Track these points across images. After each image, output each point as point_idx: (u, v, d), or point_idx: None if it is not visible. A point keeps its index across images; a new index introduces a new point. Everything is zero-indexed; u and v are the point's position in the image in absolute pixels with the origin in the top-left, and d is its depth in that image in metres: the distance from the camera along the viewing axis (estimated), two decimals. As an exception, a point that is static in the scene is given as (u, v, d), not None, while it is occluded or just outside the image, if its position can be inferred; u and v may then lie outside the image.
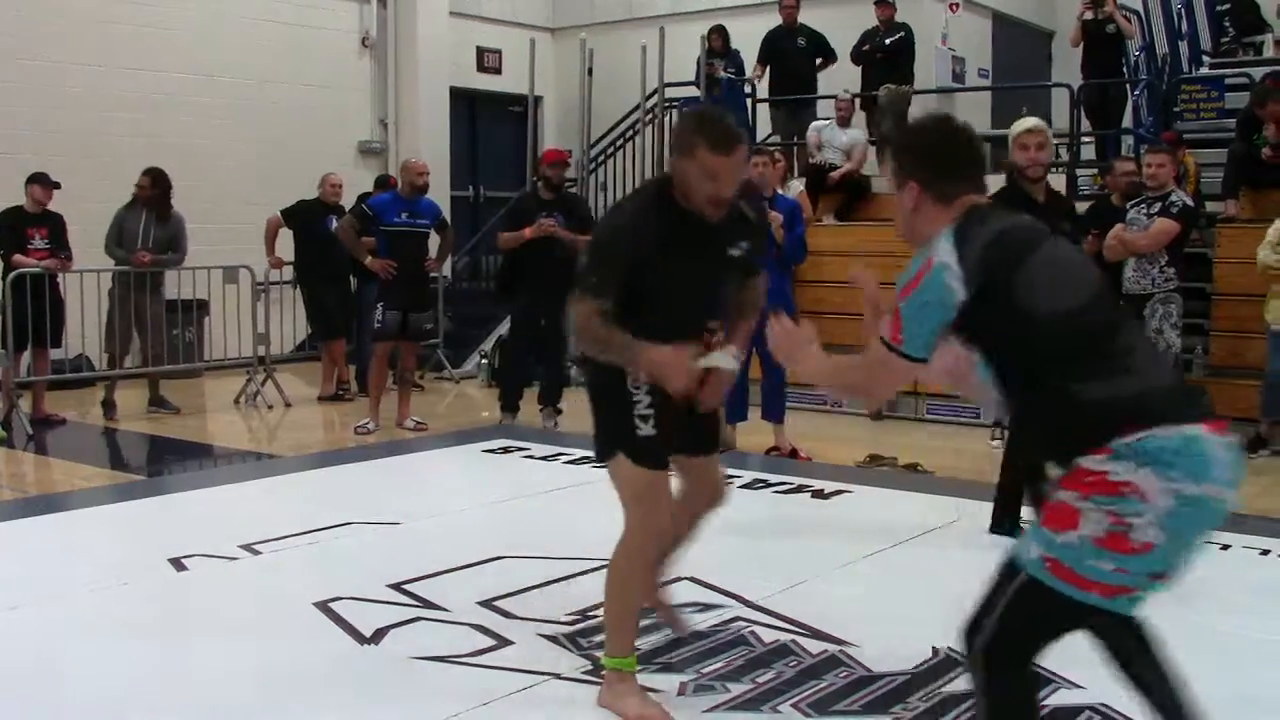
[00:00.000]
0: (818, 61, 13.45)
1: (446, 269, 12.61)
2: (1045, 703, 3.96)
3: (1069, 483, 2.69)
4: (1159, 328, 8.36)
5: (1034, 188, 5.98)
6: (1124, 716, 3.83)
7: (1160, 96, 12.24)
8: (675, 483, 4.01)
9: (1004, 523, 5.99)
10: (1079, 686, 4.06)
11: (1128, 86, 12.77)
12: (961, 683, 4.05)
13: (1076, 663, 4.22)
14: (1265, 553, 5.89)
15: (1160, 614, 2.95)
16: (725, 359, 3.91)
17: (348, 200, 11.18)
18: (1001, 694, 2.82)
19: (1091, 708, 3.94)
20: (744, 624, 4.72)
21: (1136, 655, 2.97)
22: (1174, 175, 8.61)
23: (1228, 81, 12.08)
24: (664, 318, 3.77)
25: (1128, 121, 12.61)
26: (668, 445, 3.87)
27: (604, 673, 3.95)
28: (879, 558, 5.75)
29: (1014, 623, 2.76)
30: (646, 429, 3.80)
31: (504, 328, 11.34)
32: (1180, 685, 2.97)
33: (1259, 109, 10.09)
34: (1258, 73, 11.65)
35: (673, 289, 3.80)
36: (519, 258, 9.39)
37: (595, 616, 4.72)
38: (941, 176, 2.95)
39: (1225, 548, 5.66)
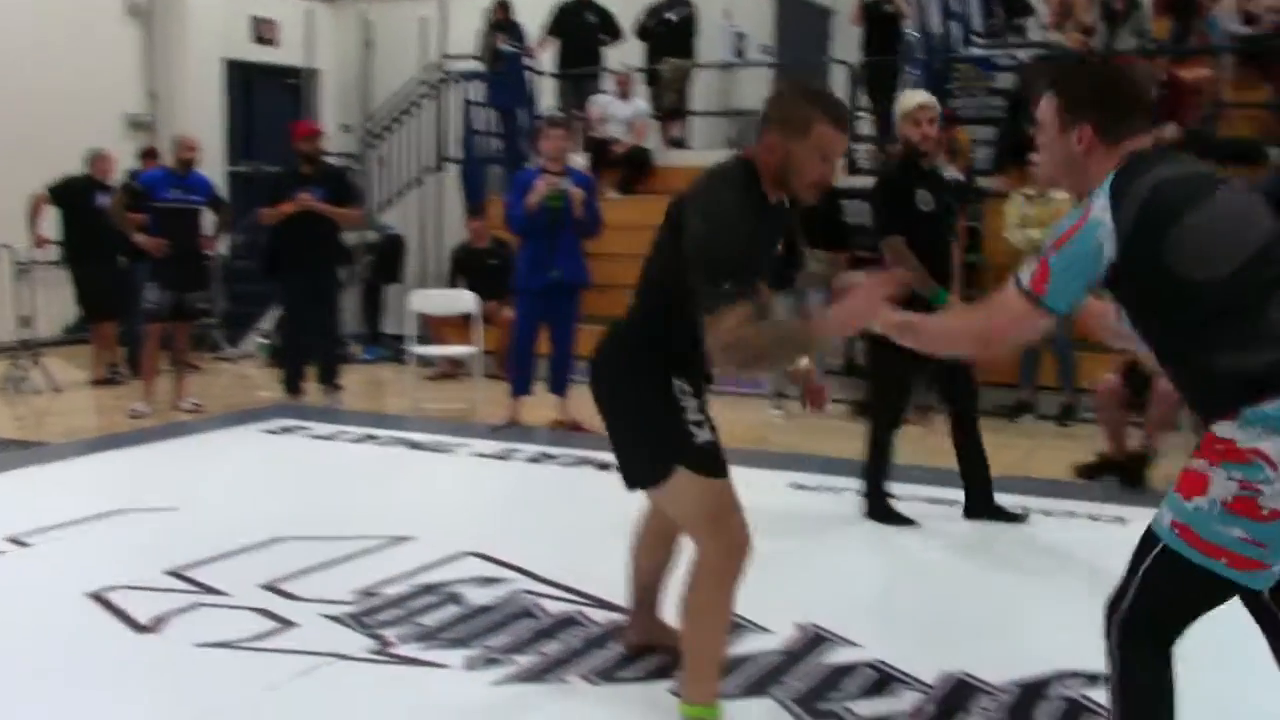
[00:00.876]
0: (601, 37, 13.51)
1: (224, 246, 12.31)
2: (824, 661, 4.10)
3: (1200, 451, 2.67)
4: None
5: (926, 162, 6.06)
6: (898, 671, 4.00)
7: (933, 75, 12.61)
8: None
9: (976, 505, 6.08)
10: (856, 644, 4.22)
11: (903, 64, 13.13)
12: (744, 646, 4.17)
13: (855, 620, 4.40)
14: (1023, 515, 6.14)
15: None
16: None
17: (119, 176, 10.84)
18: (1133, 671, 2.76)
19: (868, 664, 4.07)
20: (530, 597, 4.74)
21: None
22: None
23: (996, 62, 12.55)
24: None
25: (903, 98, 12.94)
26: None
27: None
28: (663, 527, 5.80)
29: (1150, 595, 2.71)
30: (704, 435, 3.42)
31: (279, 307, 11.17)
32: None
33: (1027, 94, 10.57)
34: (1024, 54, 12.13)
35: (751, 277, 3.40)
36: (282, 234, 9.25)
37: (380, 595, 4.71)
38: (1117, 119, 2.81)
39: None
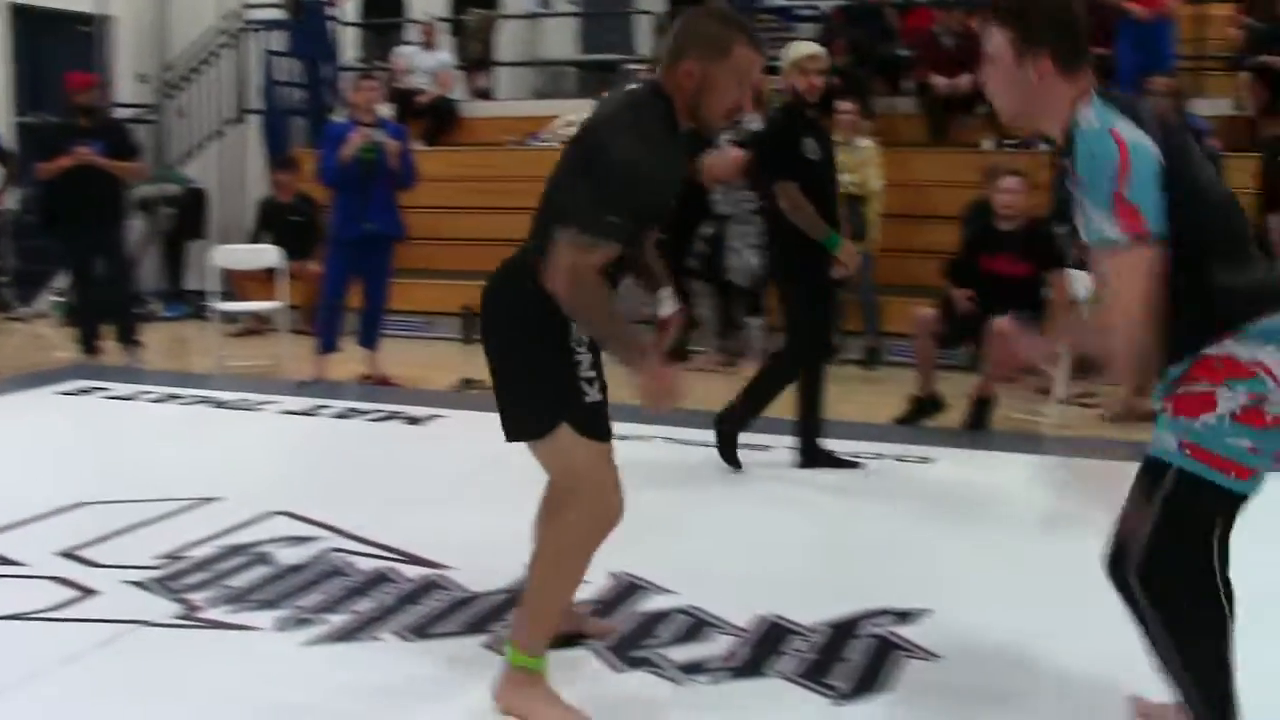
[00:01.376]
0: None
1: (11, 200, 11.83)
2: (638, 609, 4.12)
3: (1194, 375, 2.71)
4: (738, 247, 8.74)
5: (814, 113, 6.07)
6: (711, 616, 4.04)
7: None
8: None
9: (813, 454, 6.09)
10: (671, 591, 4.25)
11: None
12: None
13: (669, 569, 4.43)
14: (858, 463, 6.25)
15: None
16: (668, 303, 3.64)
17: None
18: (1181, 615, 2.73)
19: (682, 610, 4.10)
20: (340, 554, 4.67)
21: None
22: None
23: (798, 12, 12.71)
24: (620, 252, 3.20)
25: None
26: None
27: (507, 670, 3.38)
28: (474, 480, 5.78)
29: (1173, 526, 2.73)
30: (594, 393, 3.25)
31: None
32: None
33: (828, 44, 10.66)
34: (826, 4, 12.30)
35: (648, 222, 3.35)
36: (60, 189, 8.93)
37: (186, 558, 4.60)
38: (1075, 47, 2.78)
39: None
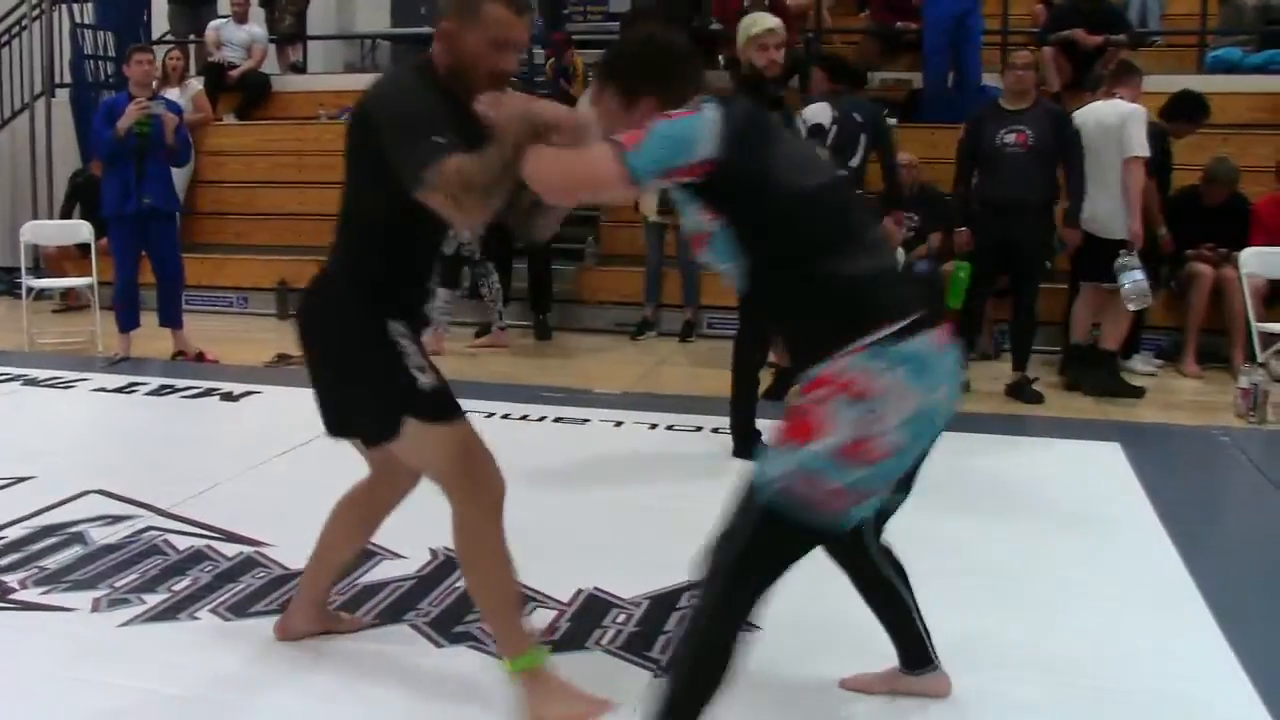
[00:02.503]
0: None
1: None
2: (459, 584, 4.19)
3: (810, 388, 2.64)
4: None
5: (772, 88, 5.95)
6: (533, 591, 4.05)
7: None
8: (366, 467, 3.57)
9: (748, 446, 5.73)
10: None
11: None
12: (378, 573, 4.24)
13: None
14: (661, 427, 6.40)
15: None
16: None
17: None
18: (727, 605, 2.76)
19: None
20: (156, 533, 4.66)
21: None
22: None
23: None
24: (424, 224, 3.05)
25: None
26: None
27: (516, 683, 3.27)
28: (292, 456, 5.77)
29: (752, 557, 2.72)
30: (428, 379, 3.12)
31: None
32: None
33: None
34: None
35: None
36: None
37: (-4, 540, 4.56)
38: (679, 92, 2.83)
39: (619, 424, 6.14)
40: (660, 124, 2.72)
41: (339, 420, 3.28)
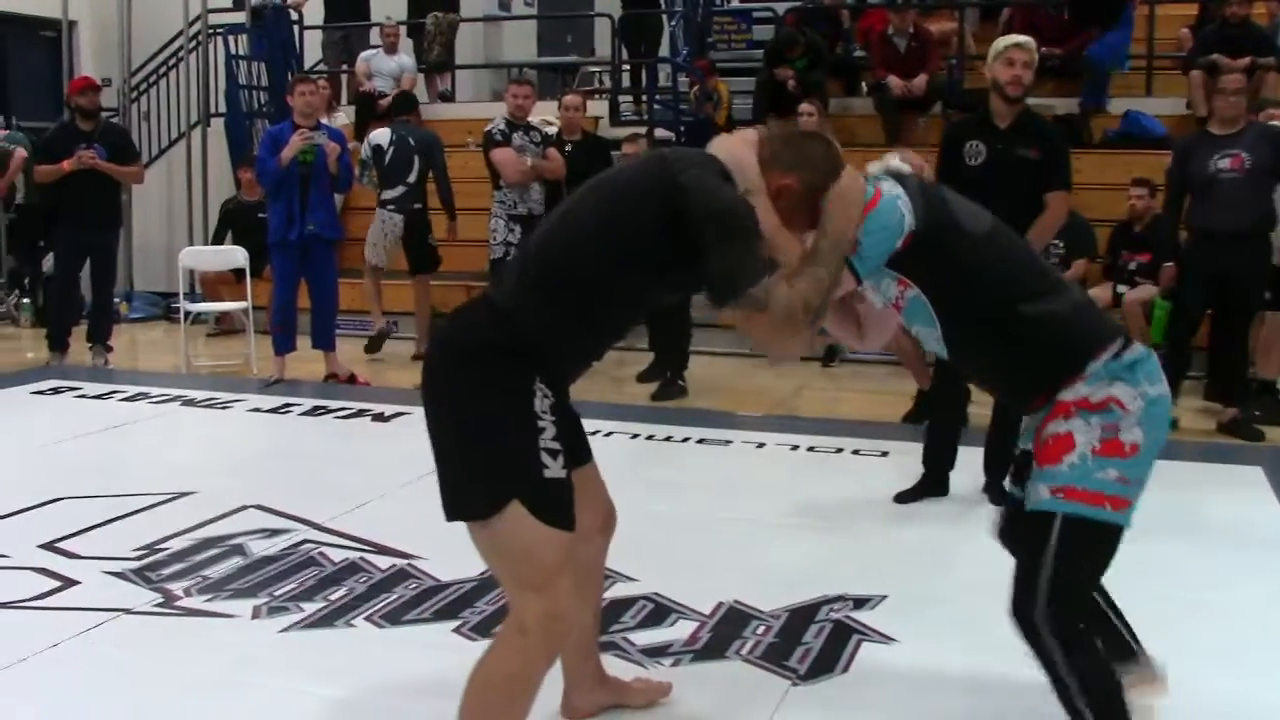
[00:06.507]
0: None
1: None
2: (604, 596, 4.27)
3: (1057, 413, 2.82)
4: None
5: (1006, 109, 5.53)
6: (675, 603, 4.20)
7: (695, 27, 12.87)
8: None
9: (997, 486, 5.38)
10: (634, 579, 4.39)
11: (664, 17, 13.38)
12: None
13: (633, 557, 4.54)
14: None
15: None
16: None
17: None
18: (1082, 656, 2.79)
19: (646, 597, 4.26)
20: (312, 545, 4.82)
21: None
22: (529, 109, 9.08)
23: (755, 15, 12.91)
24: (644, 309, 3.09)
25: (665, 50, 13.23)
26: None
27: None
28: (441, 475, 5.89)
29: (1068, 570, 2.78)
30: (556, 468, 2.70)
31: (48, 264, 10.85)
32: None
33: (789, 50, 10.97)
34: (781, 7, 12.50)
35: None
36: (59, 192, 9.01)
37: (163, 550, 4.74)
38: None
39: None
40: (865, 218, 2.82)
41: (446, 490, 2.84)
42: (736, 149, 2.84)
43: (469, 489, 2.75)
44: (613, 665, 3.67)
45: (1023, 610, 2.80)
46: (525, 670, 2.74)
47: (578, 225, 2.83)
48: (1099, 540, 2.81)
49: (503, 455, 2.70)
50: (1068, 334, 2.85)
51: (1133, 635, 3.21)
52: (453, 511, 2.79)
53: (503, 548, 2.74)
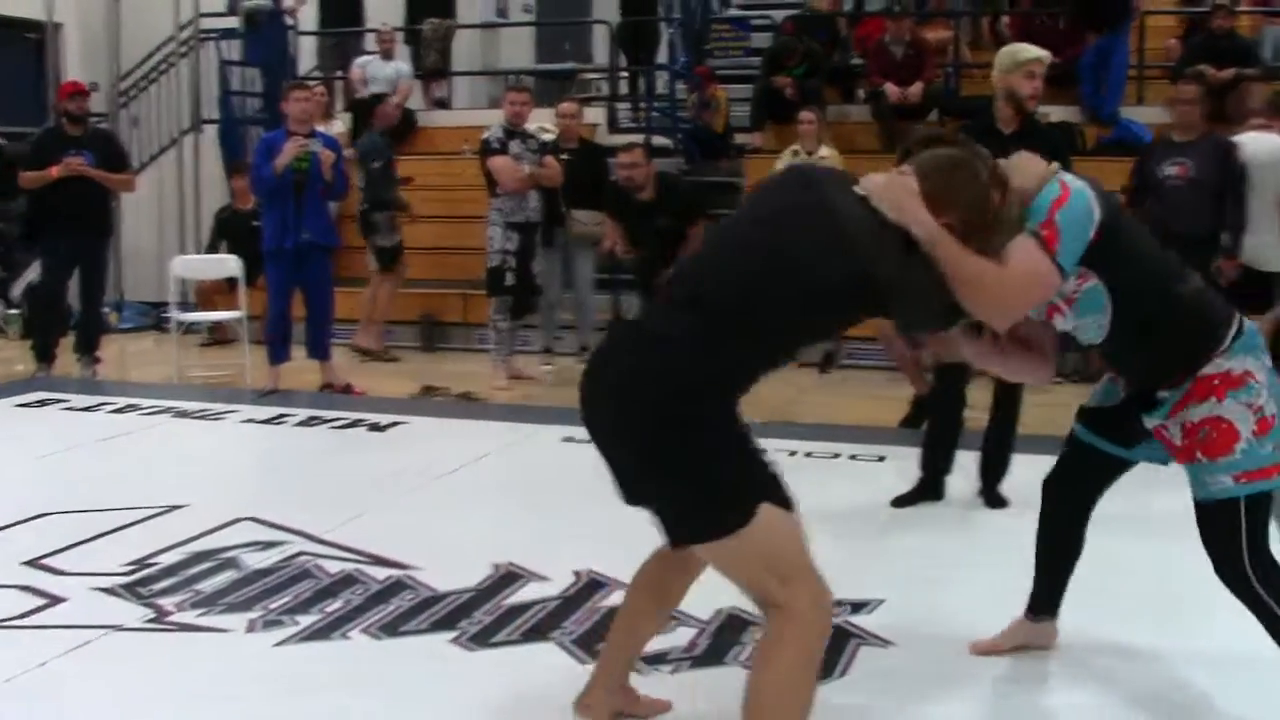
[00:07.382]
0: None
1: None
2: (601, 604, 4.19)
3: (1201, 390, 3.09)
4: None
5: (1012, 116, 5.50)
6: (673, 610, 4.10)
7: (693, 34, 12.84)
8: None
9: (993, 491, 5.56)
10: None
11: (662, 24, 13.35)
12: (523, 594, 4.29)
13: (629, 565, 4.48)
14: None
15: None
16: None
17: None
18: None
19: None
20: (307, 558, 4.73)
21: None
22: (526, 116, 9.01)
23: (753, 22, 12.89)
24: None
25: (663, 57, 13.19)
26: None
27: None
28: (437, 484, 5.86)
29: (1259, 536, 3.12)
30: (771, 462, 2.86)
31: (33, 274, 10.72)
32: None
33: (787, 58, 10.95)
34: (779, 15, 12.46)
35: None
36: (45, 198, 8.88)
37: (154, 564, 4.64)
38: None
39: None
40: (1058, 215, 2.95)
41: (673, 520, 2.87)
42: (906, 203, 2.89)
43: (713, 511, 2.76)
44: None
45: (1233, 575, 3.13)
46: (814, 652, 2.85)
47: (754, 272, 2.82)
48: (1268, 501, 3.14)
49: (741, 470, 2.79)
50: (1211, 312, 3.13)
51: (1061, 596, 3.65)
52: (702, 534, 2.81)
53: (758, 549, 2.78)
